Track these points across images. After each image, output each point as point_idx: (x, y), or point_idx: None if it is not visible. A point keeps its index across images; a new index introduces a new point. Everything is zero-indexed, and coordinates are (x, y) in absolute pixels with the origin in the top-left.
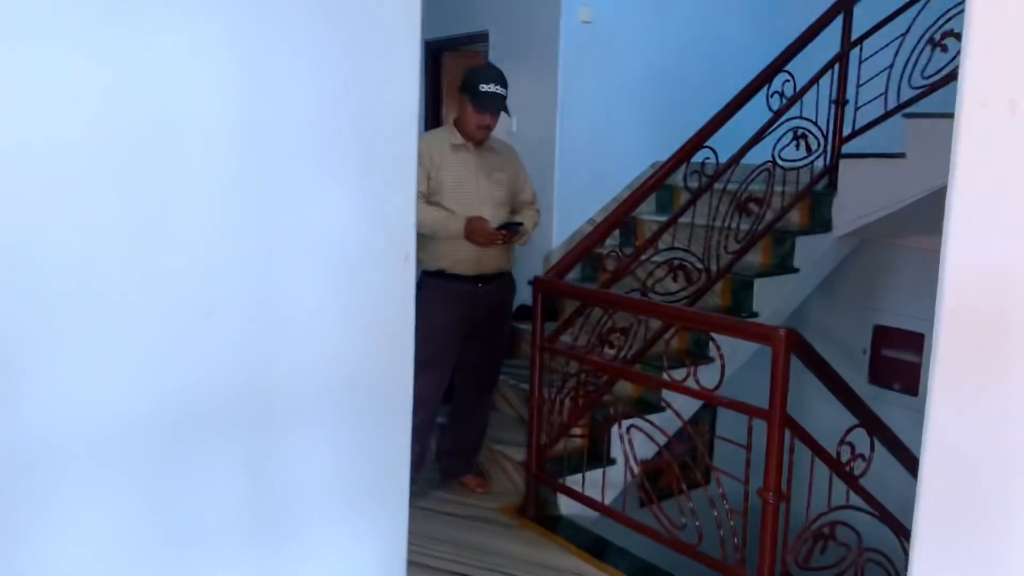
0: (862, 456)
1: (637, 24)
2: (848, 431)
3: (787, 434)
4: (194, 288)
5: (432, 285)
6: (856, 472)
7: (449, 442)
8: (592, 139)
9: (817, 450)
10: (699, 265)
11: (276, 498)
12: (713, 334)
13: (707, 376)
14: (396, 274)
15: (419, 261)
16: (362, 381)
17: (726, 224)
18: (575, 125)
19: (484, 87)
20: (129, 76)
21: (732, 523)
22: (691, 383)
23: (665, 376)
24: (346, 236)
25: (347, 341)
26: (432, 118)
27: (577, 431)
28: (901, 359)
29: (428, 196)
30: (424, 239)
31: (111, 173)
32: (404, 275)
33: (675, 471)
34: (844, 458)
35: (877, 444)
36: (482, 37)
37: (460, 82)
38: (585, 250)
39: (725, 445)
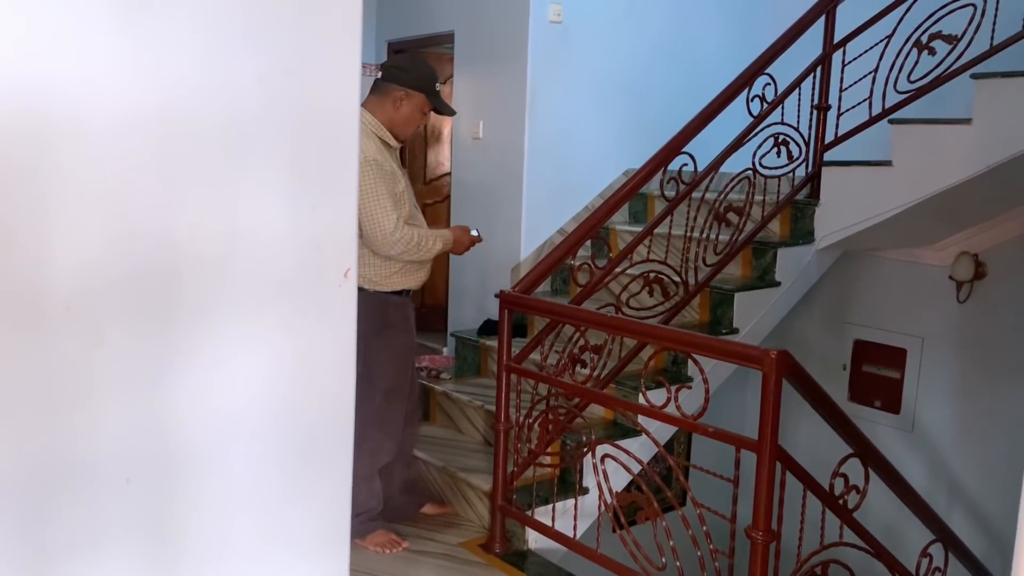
0: (856, 488)
1: (610, 23)
2: (842, 461)
3: (778, 467)
4: (75, 314)
5: (397, 304)
6: (850, 505)
7: (400, 480)
8: (562, 144)
9: (810, 483)
10: (676, 278)
11: (186, 559)
12: (695, 355)
13: (688, 400)
14: (333, 294)
15: (376, 283)
16: (294, 419)
17: (704, 235)
18: (544, 129)
19: (439, 87)
20: None
21: (716, 564)
22: (672, 409)
23: (642, 399)
24: (273, 250)
25: (275, 373)
26: None
27: (546, 459)
28: (882, 375)
29: (407, 219)
30: (399, 264)
31: None
32: (344, 294)
33: (654, 506)
34: (837, 490)
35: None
36: (447, 38)
37: (403, 76)
38: (555, 262)
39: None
